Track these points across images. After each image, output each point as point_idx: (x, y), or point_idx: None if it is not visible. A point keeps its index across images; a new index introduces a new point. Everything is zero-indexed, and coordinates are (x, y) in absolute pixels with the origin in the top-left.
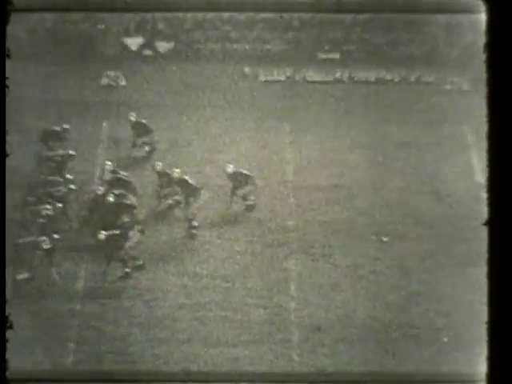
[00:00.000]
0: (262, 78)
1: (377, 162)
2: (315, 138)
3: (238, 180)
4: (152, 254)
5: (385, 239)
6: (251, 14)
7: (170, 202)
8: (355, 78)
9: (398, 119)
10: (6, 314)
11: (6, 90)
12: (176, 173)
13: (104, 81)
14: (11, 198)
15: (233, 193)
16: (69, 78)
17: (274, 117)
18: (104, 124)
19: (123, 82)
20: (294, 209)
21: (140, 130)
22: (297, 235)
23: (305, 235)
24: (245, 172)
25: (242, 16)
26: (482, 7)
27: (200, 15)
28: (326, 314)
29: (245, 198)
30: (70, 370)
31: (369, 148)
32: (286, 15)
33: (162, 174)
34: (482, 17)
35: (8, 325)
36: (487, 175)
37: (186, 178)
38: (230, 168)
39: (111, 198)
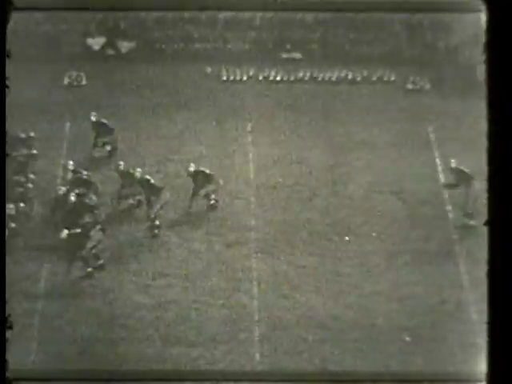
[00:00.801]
0: (224, 77)
1: (338, 161)
2: (276, 137)
3: (200, 179)
4: (113, 253)
5: (347, 238)
6: (212, 13)
7: (131, 201)
8: (317, 78)
9: (359, 118)
10: (6, 314)
11: (6, 90)
12: (138, 172)
13: (66, 80)
14: None
15: (194, 192)
16: (30, 78)
17: (236, 116)
18: (67, 124)
19: (84, 82)
20: (255, 208)
21: (101, 129)
22: (258, 235)
23: (266, 234)
24: (207, 171)
25: (203, 15)
26: (482, 6)
27: (161, 15)
28: (287, 313)
29: (207, 197)
30: (70, 369)
31: (330, 147)
32: (247, 15)
33: (124, 174)
34: (482, 16)
35: (8, 325)
36: (487, 175)
37: (148, 177)
38: (192, 167)
39: (73, 198)
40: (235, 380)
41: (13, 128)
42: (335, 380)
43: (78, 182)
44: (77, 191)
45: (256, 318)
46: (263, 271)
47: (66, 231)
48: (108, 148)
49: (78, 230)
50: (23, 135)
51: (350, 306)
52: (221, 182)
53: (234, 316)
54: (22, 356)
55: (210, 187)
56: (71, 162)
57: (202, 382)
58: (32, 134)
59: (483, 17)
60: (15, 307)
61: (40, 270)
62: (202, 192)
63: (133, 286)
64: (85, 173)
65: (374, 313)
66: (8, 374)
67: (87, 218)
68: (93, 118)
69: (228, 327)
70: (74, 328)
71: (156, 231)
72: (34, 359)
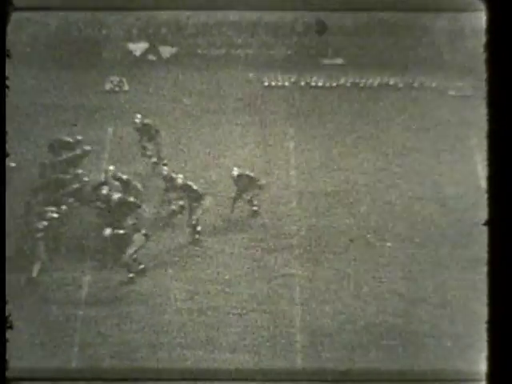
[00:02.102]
0: (266, 83)
1: (381, 167)
2: (319, 143)
3: (243, 183)
4: (155, 259)
5: (389, 244)
6: (254, 19)
7: (173, 207)
8: (359, 84)
9: (401, 124)
10: (6, 314)
11: (6, 90)
12: (180, 178)
13: (107, 86)
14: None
15: (237, 196)
16: (72, 83)
17: (278, 122)
18: (109, 129)
19: (126, 87)
20: (297, 214)
21: (145, 132)
22: (300, 241)
23: (308, 240)
24: (250, 174)
25: (245, 21)
26: (482, 6)
27: (203, 19)
28: (329, 319)
29: (250, 203)
30: (70, 369)
31: (373, 153)
32: (289, 20)
33: (167, 179)
34: (482, 16)
35: (8, 325)
36: (487, 175)
37: (190, 183)
38: (236, 171)
39: (116, 197)
40: (277, 380)
41: (57, 132)
42: (374, 379)
43: (122, 187)
44: (119, 194)
45: (297, 324)
46: (305, 277)
47: (108, 230)
48: (151, 153)
49: (121, 232)
50: (70, 139)
51: (391, 312)
52: (263, 185)
53: (275, 322)
54: (64, 359)
55: (253, 192)
56: (112, 168)
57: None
58: (79, 138)
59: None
60: (57, 313)
61: (82, 275)
62: (245, 196)
63: (174, 292)
64: (128, 177)
65: (415, 319)
66: (8, 374)
67: (130, 221)
68: (137, 121)
69: (269, 333)
70: (115, 333)
71: (197, 237)
72: (77, 363)
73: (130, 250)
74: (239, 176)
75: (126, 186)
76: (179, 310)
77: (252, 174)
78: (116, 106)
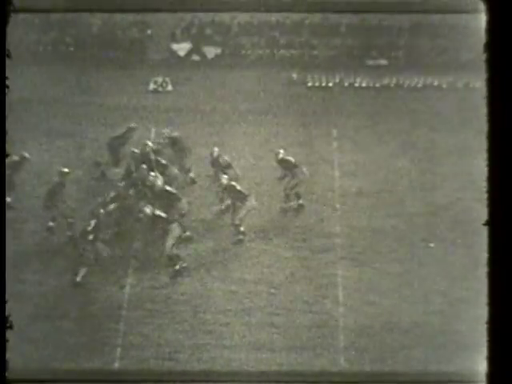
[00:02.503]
0: (309, 83)
1: (423, 167)
2: (362, 143)
3: (288, 167)
4: (199, 259)
5: (431, 245)
6: (298, 19)
7: (220, 207)
8: (403, 85)
9: (444, 125)
10: (6, 314)
11: (6, 89)
12: (224, 178)
13: (151, 86)
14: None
15: (283, 177)
16: (117, 83)
17: (321, 122)
18: (152, 130)
19: (170, 88)
20: (340, 214)
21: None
22: (343, 241)
23: (351, 241)
24: (292, 160)
25: (289, 21)
26: (482, 7)
27: (247, 20)
28: (372, 319)
29: (297, 196)
30: (70, 370)
31: (416, 154)
32: (333, 21)
33: (214, 179)
34: (482, 17)
35: (8, 325)
36: (487, 175)
37: (234, 183)
38: (281, 154)
39: (159, 182)
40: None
41: (104, 131)
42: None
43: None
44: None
45: (341, 324)
46: (348, 277)
47: (150, 207)
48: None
49: (163, 215)
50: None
51: (435, 312)
52: (306, 171)
53: (319, 322)
54: (108, 360)
55: (297, 178)
56: (153, 173)
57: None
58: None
59: None
60: (100, 314)
61: (125, 276)
62: (290, 185)
63: (218, 292)
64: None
65: (458, 319)
66: (8, 374)
67: (170, 210)
68: (166, 135)
69: (313, 333)
70: (158, 334)
71: (241, 237)
72: (119, 365)
73: (170, 242)
74: (282, 160)
75: (169, 177)
76: (223, 310)
77: (293, 160)
78: (160, 106)
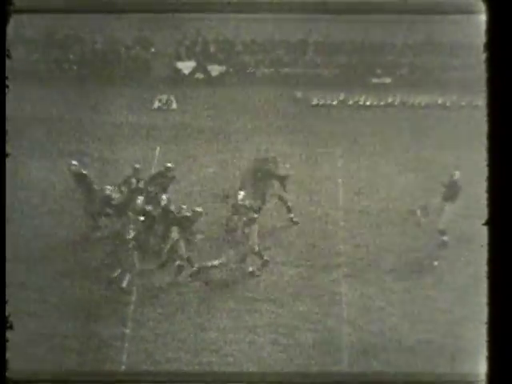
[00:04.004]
0: (313, 102)
1: (428, 186)
2: (366, 162)
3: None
4: (207, 277)
5: (435, 263)
6: (302, 37)
7: (229, 225)
8: (407, 103)
9: (449, 143)
10: (6, 314)
11: (6, 89)
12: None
13: (156, 104)
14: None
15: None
16: (121, 101)
17: (325, 141)
18: (157, 148)
19: (174, 106)
20: (344, 232)
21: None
22: (347, 259)
23: (355, 259)
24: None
25: (293, 39)
26: (482, 7)
27: (251, 38)
28: (376, 337)
29: (288, 210)
30: (70, 370)
31: (420, 173)
32: (337, 39)
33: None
34: (482, 17)
35: (8, 325)
36: (487, 175)
37: (243, 203)
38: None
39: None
40: None
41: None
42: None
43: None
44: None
45: (345, 342)
46: (352, 296)
47: (142, 198)
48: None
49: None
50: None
51: (439, 330)
52: (310, 207)
53: (324, 340)
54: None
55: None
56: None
57: None
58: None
59: None
60: (108, 314)
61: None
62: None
63: (220, 311)
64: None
65: (463, 338)
66: (8, 374)
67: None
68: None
69: (317, 351)
70: (161, 352)
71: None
72: (126, 362)
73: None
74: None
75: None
76: (228, 328)
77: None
78: (164, 124)
